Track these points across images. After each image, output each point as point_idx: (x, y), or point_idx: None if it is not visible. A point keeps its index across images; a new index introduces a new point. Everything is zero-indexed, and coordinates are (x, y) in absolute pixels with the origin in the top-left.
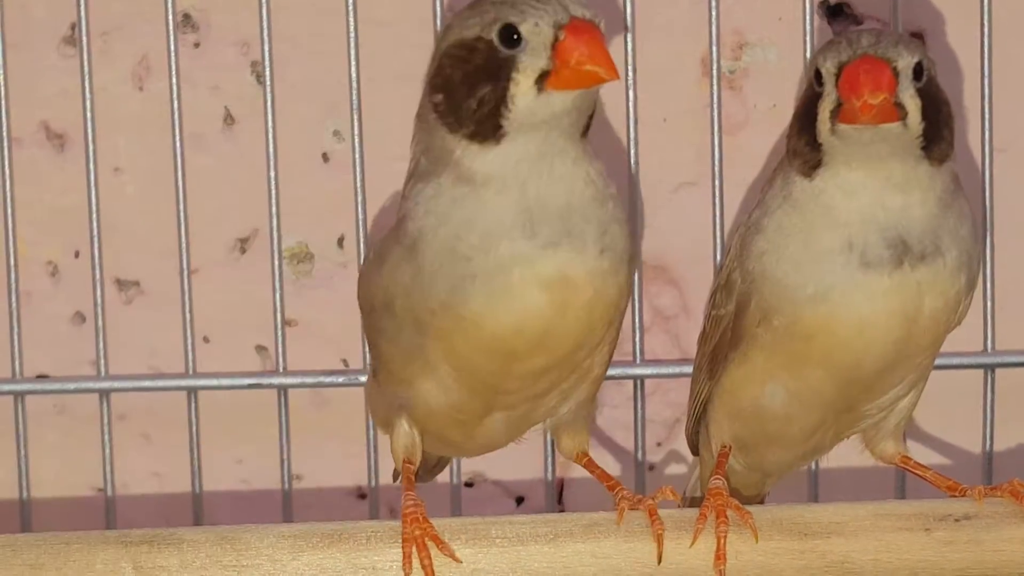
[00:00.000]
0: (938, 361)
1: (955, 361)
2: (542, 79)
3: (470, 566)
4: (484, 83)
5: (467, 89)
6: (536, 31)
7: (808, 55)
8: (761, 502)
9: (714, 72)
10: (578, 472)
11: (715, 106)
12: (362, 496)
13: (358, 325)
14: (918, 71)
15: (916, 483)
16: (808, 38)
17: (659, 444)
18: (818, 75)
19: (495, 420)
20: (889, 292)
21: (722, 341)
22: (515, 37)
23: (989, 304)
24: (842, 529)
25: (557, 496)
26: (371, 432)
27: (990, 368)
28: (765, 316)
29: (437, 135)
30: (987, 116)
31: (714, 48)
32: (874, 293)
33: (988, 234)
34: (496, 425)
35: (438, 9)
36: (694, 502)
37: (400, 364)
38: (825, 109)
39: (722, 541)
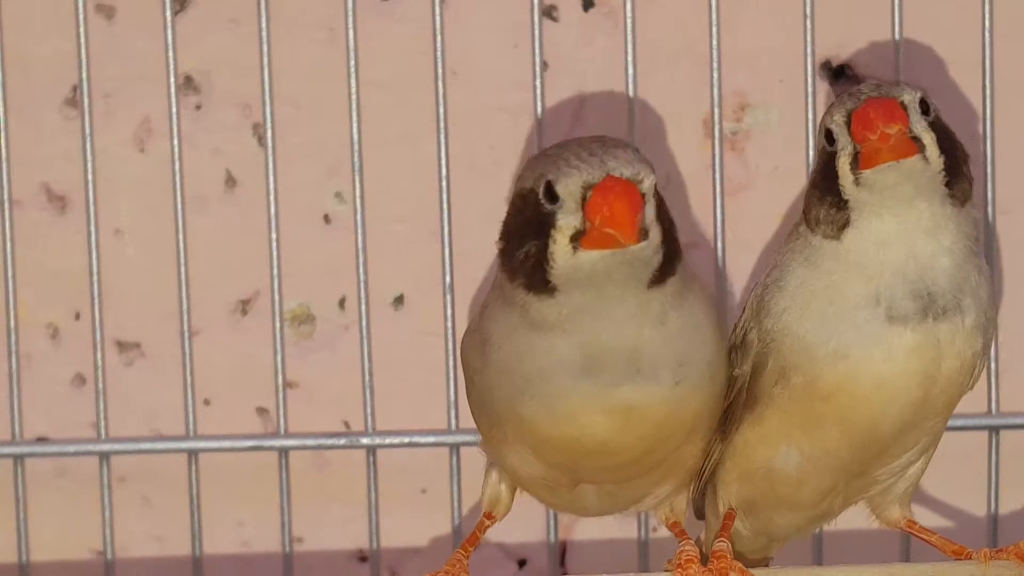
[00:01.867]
0: None
1: (959, 423)
2: (576, 237)
3: None
4: (531, 236)
5: (519, 240)
6: (569, 190)
7: (811, 116)
8: (766, 566)
9: (716, 134)
10: (581, 534)
11: (717, 167)
12: (363, 559)
13: (359, 387)
14: (924, 106)
15: (921, 546)
16: (810, 99)
17: None
18: (829, 135)
19: (587, 491)
20: (910, 349)
21: (736, 402)
22: (554, 194)
23: (993, 365)
24: None
25: (560, 559)
26: (372, 494)
27: (995, 430)
28: (783, 375)
29: (503, 276)
30: (990, 177)
31: (716, 110)
32: (895, 349)
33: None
34: (590, 496)
35: (439, 71)
36: None
37: (486, 429)
38: (844, 163)
39: None
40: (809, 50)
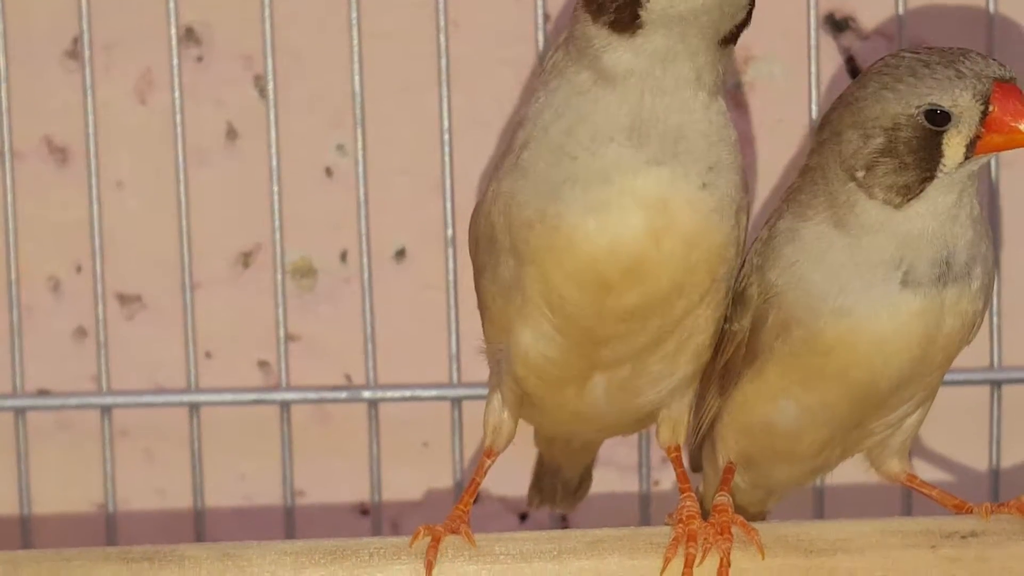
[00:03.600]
0: (945, 377)
1: (961, 377)
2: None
3: None
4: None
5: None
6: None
7: (813, 70)
8: (763, 519)
9: None
10: None
11: None
12: (364, 512)
13: (361, 340)
14: None
15: (922, 500)
16: (813, 53)
17: (664, 459)
18: (935, 113)
19: (596, 387)
20: (915, 313)
21: (735, 357)
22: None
23: (995, 320)
24: (847, 546)
25: (561, 513)
26: (373, 448)
27: (997, 384)
28: (785, 329)
29: (580, 24)
30: None
31: None
32: (900, 312)
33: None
34: (598, 393)
35: (442, 22)
36: None
37: (500, 306)
38: (959, 144)
39: (726, 557)
40: (813, 3)
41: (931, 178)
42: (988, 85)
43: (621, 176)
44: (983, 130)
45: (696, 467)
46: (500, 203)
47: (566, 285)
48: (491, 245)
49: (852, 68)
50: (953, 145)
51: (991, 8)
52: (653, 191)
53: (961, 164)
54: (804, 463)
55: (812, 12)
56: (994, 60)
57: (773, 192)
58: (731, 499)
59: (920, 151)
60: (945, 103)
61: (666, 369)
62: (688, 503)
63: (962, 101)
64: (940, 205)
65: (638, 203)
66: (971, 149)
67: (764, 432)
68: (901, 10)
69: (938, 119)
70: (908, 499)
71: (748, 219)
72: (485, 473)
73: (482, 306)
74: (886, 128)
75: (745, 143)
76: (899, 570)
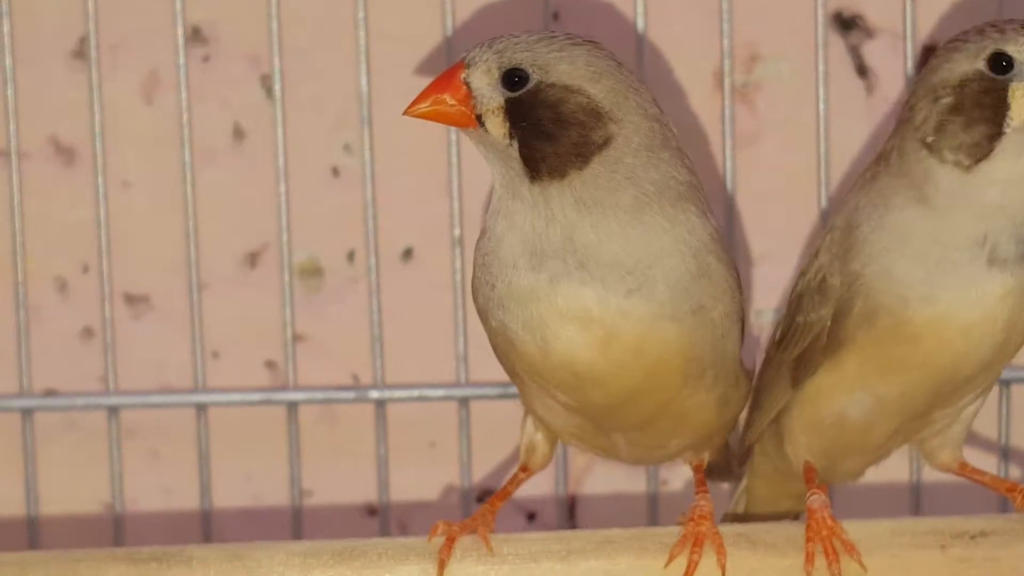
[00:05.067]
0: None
1: None
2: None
3: None
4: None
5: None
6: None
7: (820, 69)
8: (796, 518)
9: (726, 85)
10: (590, 488)
11: (727, 119)
12: (372, 512)
13: (368, 340)
14: None
15: (931, 500)
16: (820, 51)
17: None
18: (1000, 60)
19: (616, 440)
20: (1002, 295)
21: (812, 347)
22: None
23: None
24: (859, 546)
25: (569, 513)
26: (381, 448)
27: (1006, 383)
28: (870, 318)
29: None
30: None
31: (726, 61)
32: (987, 294)
33: None
34: (619, 443)
35: (449, 23)
36: (737, 518)
37: (508, 373)
38: (1022, 96)
39: (835, 566)
40: (820, 1)
41: (999, 135)
42: None
43: (543, 294)
44: None
45: (741, 462)
46: (478, 307)
47: (549, 384)
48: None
49: (859, 66)
50: (1019, 97)
51: (1000, 6)
52: (573, 307)
53: None
54: (869, 455)
55: (819, 11)
56: None
57: (780, 192)
58: (826, 498)
59: (986, 106)
60: (1009, 49)
61: (679, 429)
62: (702, 503)
63: None
64: (1013, 170)
65: (562, 317)
66: None
67: (835, 425)
68: (909, 8)
69: (1003, 68)
70: (916, 500)
71: (740, 297)
72: (518, 485)
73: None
74: (954, 86)
75: (752, 142)
76: (909, 570)
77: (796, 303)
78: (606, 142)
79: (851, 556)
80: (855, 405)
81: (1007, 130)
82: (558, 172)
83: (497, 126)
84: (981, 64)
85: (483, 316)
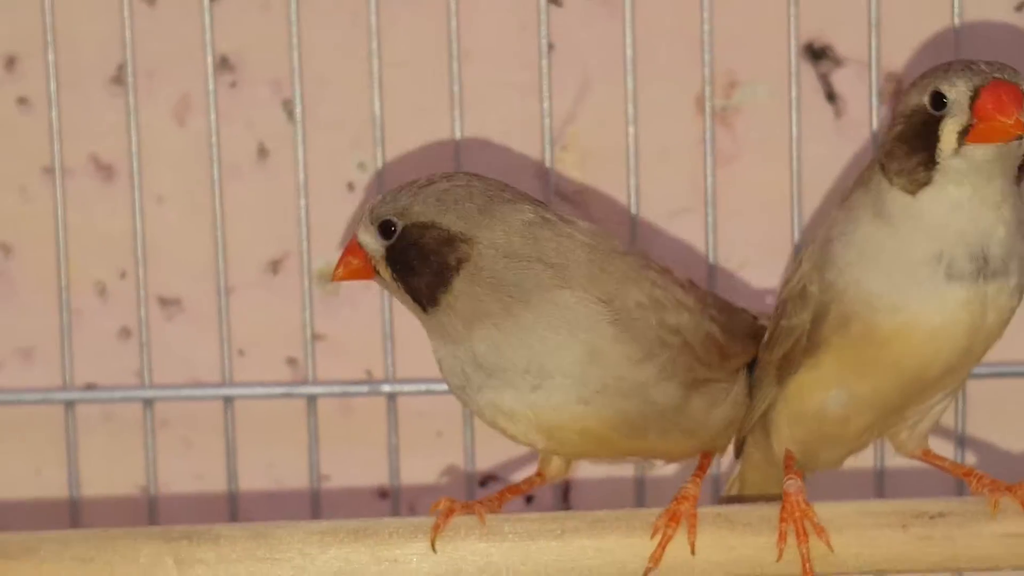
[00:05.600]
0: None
1: (1010, 370)
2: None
3: (484, 559)
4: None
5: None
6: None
7: (794, 94)
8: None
9: (707, 109)
10: (583, 473)
11: (708, 140)
12: (384, 495)
13: (381, 339)
14: None
15: (894, 484)
16: (794, 79)
17: None
18: (938, 98)
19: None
20: (962, 304)
21: (794, 349)
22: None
23: None
24: (828, 525)
25: (563, 496)
26: (392, 437)
27: None
28: (844, 323)
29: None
30: None
31: (707, 87)
32: (949, 303)
33: None
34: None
35: (455, 50)
36: (731, 499)
37: None
38: (952, 131)
39: (803, 546)
40: (793, 33)
41: (933, 164)
42: (986, 80)
43: (478, 401)
44: (974, 120)
45: (737, 453)
46: None
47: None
48: None
49: (829, 92)
50: (947, 131)
51: (956, 39)
52: (502, 407)
53: (956, 152)
54: (846, 446)
55: (793, 42)
56: (1012, 68)
57: (757, 206)
58: (801, 483)
59: (922, 136)
60: (944, 88)
61: (671, 452)
62: (689, 486)
63: (958, 88)
64: (953, 196)
65: (500, 414)
66: (963, 137)
67: (815, 419)
68: (874, 40)
69: (941, 104)
70: (881, 483)
71: (677, 335)
72: (531, 487)
73: None
74: (905, 116)
75: (731, 161)
76: (874, 548)
77: (781, 308)
78: (460, 262)
79: (820, 538)
80: (833, 401)
81: (939, 160)
82: (433, 300)
83: (385, 271)
84: (925, 99)
85: None
